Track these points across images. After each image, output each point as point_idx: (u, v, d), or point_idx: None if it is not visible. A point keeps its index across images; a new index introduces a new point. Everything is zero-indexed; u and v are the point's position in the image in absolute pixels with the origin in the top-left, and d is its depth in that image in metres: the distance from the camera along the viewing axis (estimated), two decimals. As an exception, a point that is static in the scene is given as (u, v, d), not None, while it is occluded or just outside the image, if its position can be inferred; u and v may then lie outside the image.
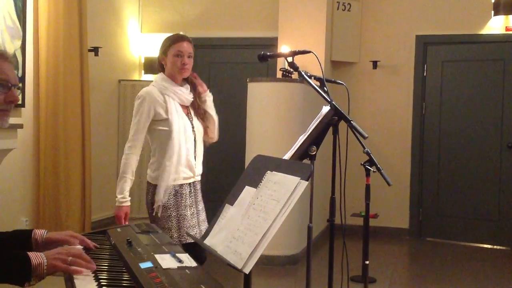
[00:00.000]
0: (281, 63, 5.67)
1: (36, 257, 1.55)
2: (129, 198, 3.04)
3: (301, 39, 5.83)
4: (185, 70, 3.04)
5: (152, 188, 3.02)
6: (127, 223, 3.01)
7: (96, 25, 6.16)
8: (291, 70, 2.85)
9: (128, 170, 3.00)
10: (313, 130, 2.63)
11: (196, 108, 3.12)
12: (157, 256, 1.68)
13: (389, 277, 4.96)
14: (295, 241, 5.15)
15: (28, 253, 1.56)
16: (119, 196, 3.01)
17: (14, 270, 1.53)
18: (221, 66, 7.02)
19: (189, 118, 3.06)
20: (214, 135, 3.19)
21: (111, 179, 6.65)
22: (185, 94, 3.06)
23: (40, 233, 1.84)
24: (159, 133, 2.99)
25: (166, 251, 1.75)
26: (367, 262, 3.29)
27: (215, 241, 1.72)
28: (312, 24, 5.93)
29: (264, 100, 5.15)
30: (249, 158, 4.94)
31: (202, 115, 3.13)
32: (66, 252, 1.60)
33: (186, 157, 3.00)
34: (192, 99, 3.09)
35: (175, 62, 3.01)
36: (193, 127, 3.06)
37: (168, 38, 3.10)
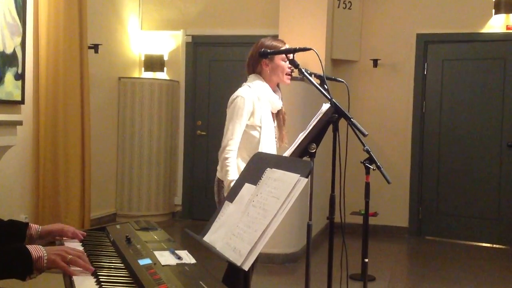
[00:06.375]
0: (281, 61, 5.65)
1: (36, 250, 1.55)
2: None
3: (302, 37, 5.82)
4: (289, 78, 3.01)
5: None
6: None
7: (96, 22, 6.15)
8: (292, 67, 2.84)
9: (235, 172, 2.85)
10: (313, 127, 2.63)
11: (280, 115, 3.10)
12: (156, 253, 1.67)
13: (388, 275, 4.95)
14: (295, 239, 5.15)
15: (27, 246, 1.56)
16: None
17: (15, 264, 1.52)
18: (222, 64, 7.02)
19: (273, 126, 3.05)
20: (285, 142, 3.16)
21: (110, 176, 6.65)
22: (278, 102, 3.03)
23: (35, 228, 1.86)
24: (247, 138, 2.93)
25: (165, 248, 1.75)
26: (366, 260, 3.28)
27: (214, 238, 1.72)
28: (312, 22, 5.92)
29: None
30: (249, 156, 4.94)
31: (284, 121, 3.12)
32: (67, 251, 1.59)
33: None
34: (281, 107, 3.07)
35: (284, 68, 2.96)
36: (275, 136, 3.05)
37: (272, 40, 3.00)
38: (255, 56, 2.99)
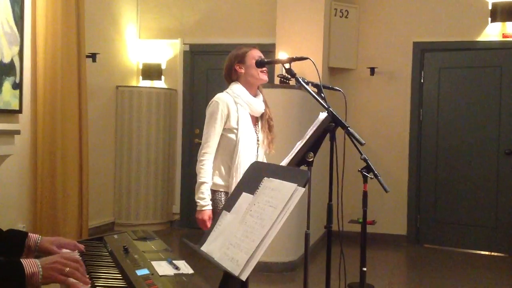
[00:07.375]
0: (279, 70, 5.67)
1: (31, 265, 1.44)
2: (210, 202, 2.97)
3: (299, 45, 5.84)
4: (265, 74, 3.05)
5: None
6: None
7: (94, 31, 6.17)
8: (289, 76, 2.85)
9: (208, 175, 2.95)
10: (310, 136, 2.63)
11: (264, 120, 3.13)
12: (154, 263, 1.67)
13: (387, 284, 4.95)
14: (293, 248, 5.14)
15: (22, 260, 1.46)
16: (201, 201, 2.94)
17: (7, 279, 1.42)
18: (219, 72, 6.94)
19: (255, 130, 3.08)
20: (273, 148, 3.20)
21: (108, 185, 6.64)
22: (258, 105, 3.07)
23: (34, 238, 1.79)
24: (225, 141, 3.00)
25: (163, 258, 1.74)
26: (364, 269, 3.29)
27: (212, 248, 1.72)
28: (309, 31, 5.94)
29: (261, 107, 5.15)
30: (246, 164, 4.93)
31: (270, 127, 3.14)
32: (64, 262, 1.49)
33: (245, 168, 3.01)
34: (264, 111, 3.11)
35: (256, 67, 3.01)
36: (257, 139, 3.08)
37: (241, 48, 3.12)
38: (228, 67, 3.12)
